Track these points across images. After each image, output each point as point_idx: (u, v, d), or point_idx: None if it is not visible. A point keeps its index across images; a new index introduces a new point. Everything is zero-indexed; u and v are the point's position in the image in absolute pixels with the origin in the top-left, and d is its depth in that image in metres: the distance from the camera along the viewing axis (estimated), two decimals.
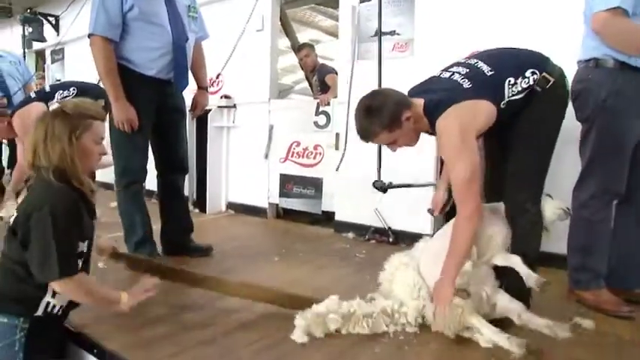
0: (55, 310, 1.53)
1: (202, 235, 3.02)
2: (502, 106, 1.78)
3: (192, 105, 2.69)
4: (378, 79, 2.88)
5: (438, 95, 1.80)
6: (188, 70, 2.51)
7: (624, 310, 1.95)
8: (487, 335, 1.65)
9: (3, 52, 4.15)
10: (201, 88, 2.71)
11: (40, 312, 1.50)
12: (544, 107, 1.85)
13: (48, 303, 1.50)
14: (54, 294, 1.50)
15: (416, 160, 2.86)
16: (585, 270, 2.07)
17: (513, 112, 1.83)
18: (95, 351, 1.60)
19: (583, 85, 2.01)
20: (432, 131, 1.82)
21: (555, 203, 2.00)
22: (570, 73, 2.00)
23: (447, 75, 1.86)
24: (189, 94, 2.71)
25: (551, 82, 1.82)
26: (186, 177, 4.12)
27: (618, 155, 1.97)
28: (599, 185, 2.01)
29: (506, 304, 1.79)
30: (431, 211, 2.16)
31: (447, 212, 2.12)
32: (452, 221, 1.87)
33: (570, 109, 1.99)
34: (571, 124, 2.04)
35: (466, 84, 1.78)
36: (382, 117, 1.75)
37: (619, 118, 1.95)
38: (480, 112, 1.76)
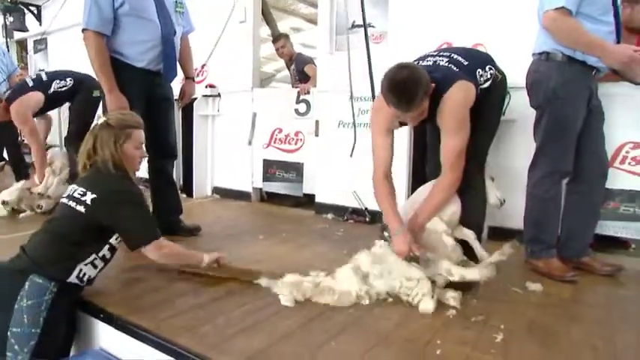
0: (85, 278, 1.80)
1: (190, 218, 3.20)
2: (478, 91, 2.04)
3: (180, 94, 2.85)
4: (368, 68, 3.07)
5: (439, 74, 1.99)
6: (176, 61, 2.67)
7: (569, 275, 2.22)
8: (457, 271, 1.90)
9: None
10: (189, 78, 2.87)
11: (72, 278, 1.75)
12: (495, 96, 2.19)
13: (81, 270, 1.77)
14: (91, 261, 1.80)
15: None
16: (538, 241, 2.33)
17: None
18: (102, 315, 1.79)
19: (536, 76, 2.26)
20: (433, 108, 2.00)
21: (497, 192, 2.28)
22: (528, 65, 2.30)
23: (430, 62, 2.09)
24: (177, 84, 2.86)
25: (499, 78, 2.17)
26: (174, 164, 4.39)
27: (566, 139, 2.22)
28: (549, 165, 2.27)
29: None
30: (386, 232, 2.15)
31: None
32: (424, 187, 2.15)
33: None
34: (524, 112, 2.31)
35: (454, 68, 2.02)
36: (424, 85, 1.85)
37: (566, 106, 2.19)
38: (472, 92, 2.00)
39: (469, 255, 2.11)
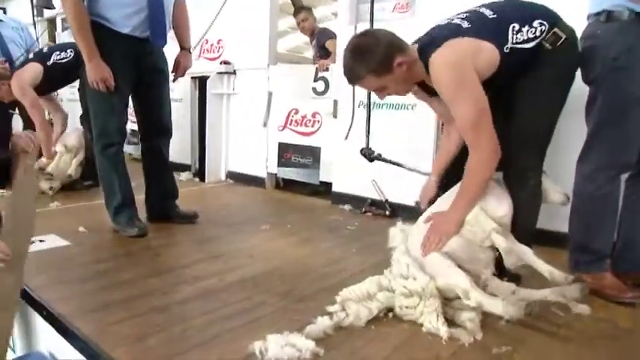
0: None
1: (195, 203, 2.99)
2: (506, 50, 1.61)
3: (174, 66, 2.57)
4: None
5: (428, 38, 1.67)
6: (166, 28, 2.38)
7: (627, 297, 1.76)
8: (476, 296, 1.49)
9: (5, 17, 4.13)
10: (184, 48, 2.58)
11: None
12: (553, 67, 1.68)
13: None
14: None
15: (415, 138, 2.69)
16: (586, 251, 1.87)
17: (519, 68, 1.67)
18: (44, 313, 1.55)
19: (591, 42, 1.77)
20: (428, 80, 1.63)
21: (556, 186, 1.85)
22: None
23: (445, 22, 1.71)
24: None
25: (562, 40, 1.65)
26: (189, 146, 4.17)
27: (628, 122, 1.74)
28: (605, 156, 1.79)
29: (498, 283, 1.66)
30: (418, 205, 1.96)
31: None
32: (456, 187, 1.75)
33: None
34: (578, 91, 1.83)
35: (465, 24, 1.62)
36: (371, 60, 1.58)
37: (630, 79, 1.71)
38: (481, 51, 1.59)
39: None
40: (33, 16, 5.23)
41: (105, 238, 2.35)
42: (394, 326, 1.52)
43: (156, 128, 2.53)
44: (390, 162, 2.53)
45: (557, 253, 1.94)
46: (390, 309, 1.58)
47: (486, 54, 1.59)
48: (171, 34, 2.49)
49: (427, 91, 1.78)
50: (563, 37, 1.65)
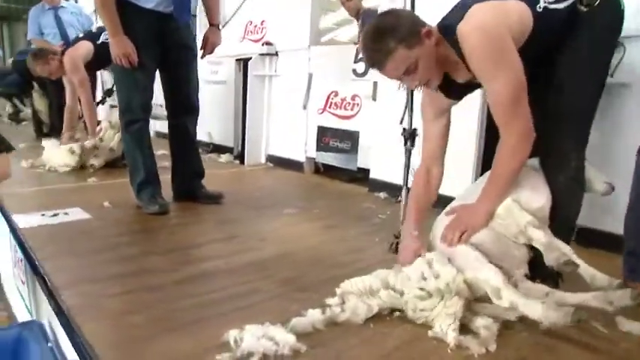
0: None
1: (227, 185, 2.96)
2: (538, 9, 1.37)
3: (202, 43, 2.50)
4: None
5: (450, 14, 1.45)
6: (190, 3, 2.32)
7: None
8: (509, 296, 1.27)
9: (66, 3, 4.33)
10: (213, 25, 2.50)
11: None
12: (590, 33, 1.42)
13: None
14: None
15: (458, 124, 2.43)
16: None
17: (553, 35, 1.42)
18: (48, 283, 1.54)
19: None
20: (458, 56, 1.40)
21: (599, 173, 1.59)
22: None
23: None
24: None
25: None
26: (232, 129, 4.15)
27: None
28: None
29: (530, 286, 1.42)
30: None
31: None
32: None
33: None
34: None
35: None
36: (399, 30, 1.36)
37: None
38: (511, 11, 1.36)
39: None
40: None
41: (127, 213, 2.35)
42: (396, 327, 1.34)
43: (183, 106, 2.49)
44: None
45: (610, 257, 1.65)
46: (395, 309, 1.39)
47: (517, 14, 1.35)
48: None
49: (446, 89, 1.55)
50: None
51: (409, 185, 2.03)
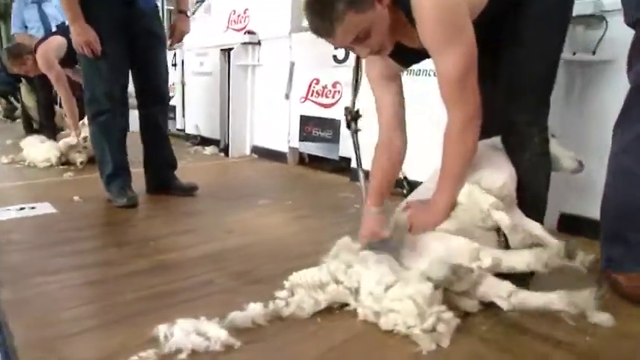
0: None
1: (207, 178, 2.91)
2: None
3: (170, 32, 2.43)
4: None
5: None
6: None
7: None
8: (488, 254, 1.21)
9: None
10: (181, 12, 2.42)
11: None
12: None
13: None
14: None
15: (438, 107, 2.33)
16: (621, 242, 1.47)
17: (507, 5, 1.35)
18: None
19: None
20: (410, 24, 1.29)
21: (567, 150, 1.52)
22: None
23: None
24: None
25: None
26: (218, 120, 4.08)
27: None
28: None
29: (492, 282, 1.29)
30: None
31: None
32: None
33: None
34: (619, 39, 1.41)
35: None
36: None
37: None
38: None
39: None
40: None
41: (95, 207, 2.30)
42: (344, 321, 1.26)
43: (152, 96, 2.42)
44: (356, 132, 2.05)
45: (593, 244, 1.56)
46: (346, 304, 1.31)
47: None
48: None
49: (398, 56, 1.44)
50: None
51: (364, 167, 1.91)
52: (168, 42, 2.43)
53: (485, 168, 1.38)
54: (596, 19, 1.89)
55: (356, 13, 1.22)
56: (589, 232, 1.80)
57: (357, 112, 1.97)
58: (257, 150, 3.80)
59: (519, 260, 1.19)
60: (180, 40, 2.45)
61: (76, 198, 2.40)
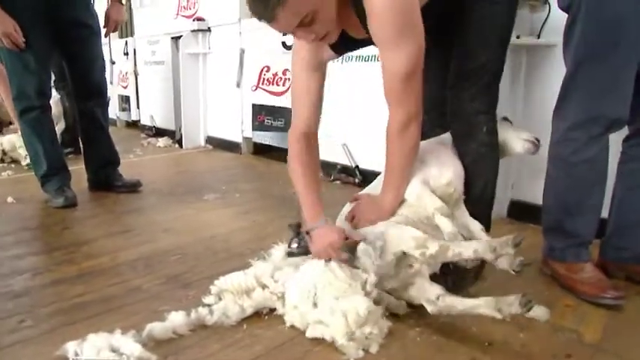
0: None
1: (154, 172, 2.85)
2: None
3: (104, 21, 2.28)
4: None
5: None
6: None
7: (609, 296, 1.34)
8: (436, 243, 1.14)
9: None
10: (115, 0, 2.27)
11: None
12: None
13: None
14: None
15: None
16: (562, 233, 1.46)
17: None
18: None
19: None
20: (356, 13, 1.21)
21: (520, 132, 1.47)
22: None
23: None
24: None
25: None
26: (172, 112, 3.93)
27: (617, 54, 1.28)
28: (584, 107, 1.35)
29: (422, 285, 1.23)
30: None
31: None
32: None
33: None
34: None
35: None
36: None
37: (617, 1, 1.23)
38: None
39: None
40: None
41: (28, 209, 2.18)
42: (270, 328, 1.20)
43: (87, 90, 2.28)
44: None
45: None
46: (274, 309, 1.25)
47: None
48: None
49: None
50: None
51: None
52: (104, 31, 2.28)
53: (431, 163, 1.35)
54: (540, 1, 1.86)
55: None
56: (539, 219, 1.80)
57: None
58: (211, 140, 3.69)
59: (466, 245, 1.14)
60: (115, 29, 2.31)
61: (9, 199, 2.26)
